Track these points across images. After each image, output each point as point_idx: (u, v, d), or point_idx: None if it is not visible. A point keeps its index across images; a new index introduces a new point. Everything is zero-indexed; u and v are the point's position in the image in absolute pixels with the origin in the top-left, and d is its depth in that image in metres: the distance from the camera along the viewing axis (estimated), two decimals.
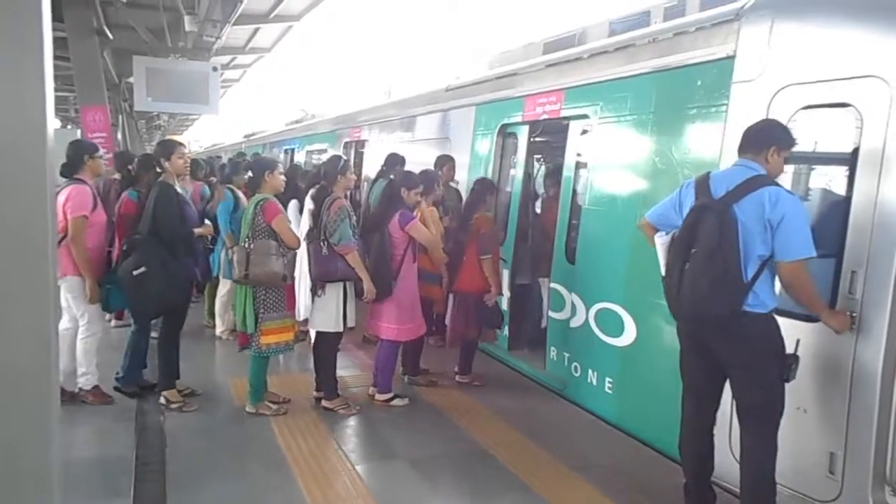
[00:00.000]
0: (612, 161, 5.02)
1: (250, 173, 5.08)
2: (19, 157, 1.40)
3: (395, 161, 6.71)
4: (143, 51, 14.24)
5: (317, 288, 4.77)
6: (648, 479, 3.96)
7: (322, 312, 4.80)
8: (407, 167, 6.47)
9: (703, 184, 3.27)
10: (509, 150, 6.53)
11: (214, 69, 13.97)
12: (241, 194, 6.42)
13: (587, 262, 5.13)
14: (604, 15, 7.33)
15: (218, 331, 6.78)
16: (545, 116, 5.83)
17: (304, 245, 4.86)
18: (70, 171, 4.73)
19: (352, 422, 4.76)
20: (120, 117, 20.57)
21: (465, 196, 6.55)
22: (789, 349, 3.17)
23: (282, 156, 15.53)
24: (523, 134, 6.30)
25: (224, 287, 6.64)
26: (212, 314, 7.03)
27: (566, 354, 5.31)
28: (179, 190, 4.94)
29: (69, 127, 24.55)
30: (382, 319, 5.00)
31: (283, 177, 4.90)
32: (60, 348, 4.73)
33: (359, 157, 10.29)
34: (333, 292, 4.77)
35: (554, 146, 8.64)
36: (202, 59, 14.48)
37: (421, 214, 5.25)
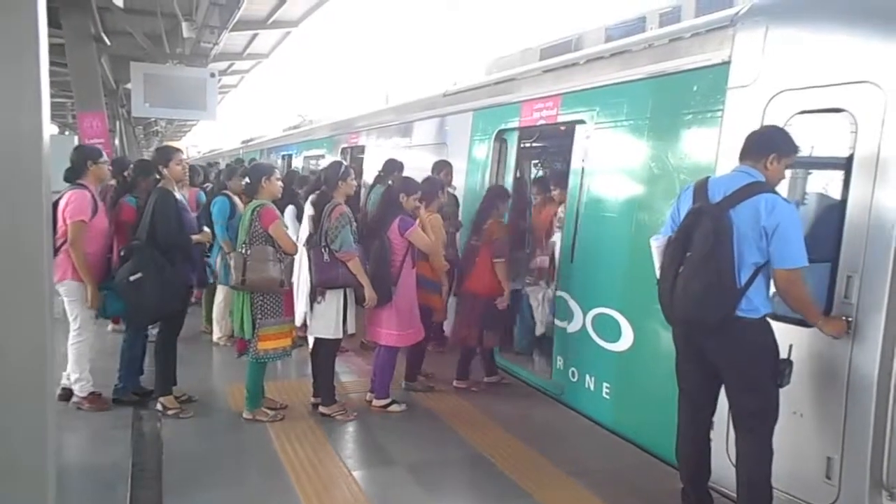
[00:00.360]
0: (608, 166, 5.03)
1: (247, 179, 5.09)
2: (15, 163, 1.40)
3: (392, 167, 6.72)
4: (141, 57, 14.26)
5: (316, 294, 4.76)
6: (646, 484, 3.96)
7: (322, 319, 4.79)
8: (405, 173, 6.49)
9: (701, 188, 3.28)
10: (506, 155, 6.53)
11: (212, 75, 14.01)
12: (237, 200, 6.42)
13: (584, 267, 5.13)
14: (600, 21, 7.37)
15: (215, 337, 6.77)
16: (542, 122, 5.84)
17: (302, 251, 4.87)
18: (73, 176, 4.78)
19: (349, 428, 4.75)
20: (118, 123, 20.58)
21: (461, 201, 6.59)
22: (783, 354, 3.17)
23: (279, 161, 15.54)
24: (520, 139, 6.30)
25: (221, 293, 6.63)
26: (209, 320, 7.02)
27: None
28: (178, 196, 4.95)
29: (67, 133, 24.56)
30: (382, 325, 5.00)
31: (280, 183, 4.90)
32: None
33: (356, 162, 10.29)
34: (333, 299, 4.76)
35: (551, 151, 8.66)
36: (200, 65, 14.51)
37: (421, 221, 5.25)
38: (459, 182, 6.72)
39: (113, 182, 5.93)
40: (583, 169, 5.27)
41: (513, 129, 6.31)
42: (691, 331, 3.30)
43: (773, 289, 3.16)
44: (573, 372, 5.18)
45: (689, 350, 3.38)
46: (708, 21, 4.36)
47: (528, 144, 7.62)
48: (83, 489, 3.72)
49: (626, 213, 4.74)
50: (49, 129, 1.48)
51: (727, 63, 4.00)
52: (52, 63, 1.55)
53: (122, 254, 4.72)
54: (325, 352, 4.94)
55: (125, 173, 5.77)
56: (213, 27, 12.48)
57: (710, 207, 3.14)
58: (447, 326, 6.14)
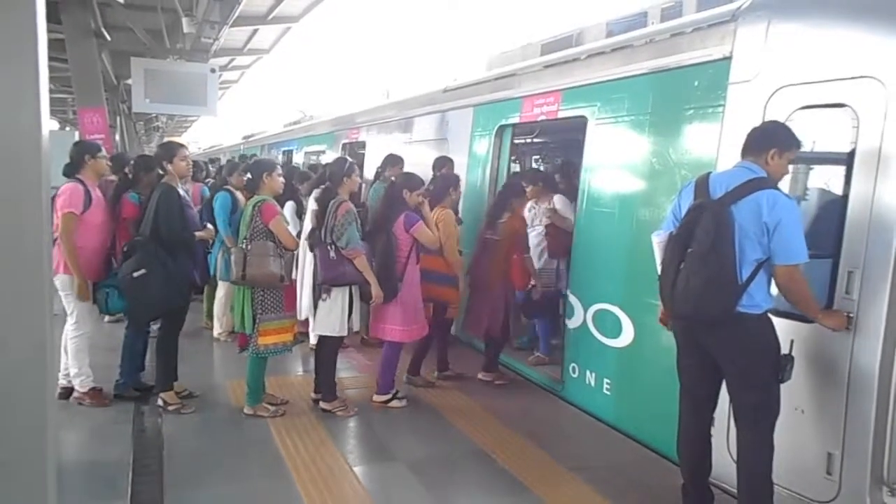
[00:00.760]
0: (609, 162, 5.02)
1: (249, 175, 5.08)
2: (14, 159, 1.40)
3: (392, 161, 6.71)
4: (142, 52, 14.25)
5: (321, 292, 4.76)
6: (647, 479, 3.96)
7: (327, 317, 4.77)
8: (405, 168, 6.48)
9: (702, 184, 3.27)
10: (507, 150, 6.53)
11: (213, 70, 13.98)
12: (239, 195, 6.42)
13: (585, 263, 5.13)
14: (601, 16, 7.35)
15: (216, 332, 6.77)
16: (543, 117, 5.83)
17: (304, 246, 4.86)
18: (71, 171, 4.80)
19: (350, 423, 4.76)
20: (118, 119, 20.59)
21: (461, 196, 6.57)
22: (784, 350, 3.17)
23: (280, 157, 15.52)
24: (520, 135, 6.29)
25: (222, 289, 6.63)
26: (210, 316, 7.02)
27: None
28: (182, 192, 4.95)
29: (68, 129, 24.54)
30: (387, 322, 4.99)
31: (281, 179, 4.90)
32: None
33: (357, 158, 10.28)
34: (338, 296, 4.75)
35: (552, 147, 8.67)
36: (200, 60, 14.49)
37: (435, 217, 5.28)
38: (460, 177, 6.70)
39: (114, 178, 5.92)
40: (583, 164, 5.26)
41: (513, 125, 6.30)
42: (692, 326, 3.30)
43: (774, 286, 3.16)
44: (574, 368, 5.18)
45: (689, 346, 3.37)
46: (709, 16, 4.34)
47: (528, 140, 7.62)
48: (84, 485, 3.72)
49: (626, 208, 4.74)
50: (48, 124, 1.48)
51: (728, 58, 3.98)
52: (52, 59, 1.55)
53: (125, 250, 4.72)
54: (329, 348, 4.94)
55: (126, 169, 5.77)
56: (213, 22, 12.47)
57: (711, 203, 3.14)
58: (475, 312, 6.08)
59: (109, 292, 4.71)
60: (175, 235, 4.70)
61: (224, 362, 6.21)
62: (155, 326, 5.18)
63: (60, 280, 4.64)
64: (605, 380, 4.84)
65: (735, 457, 3.28)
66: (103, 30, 13.37)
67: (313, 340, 6.25)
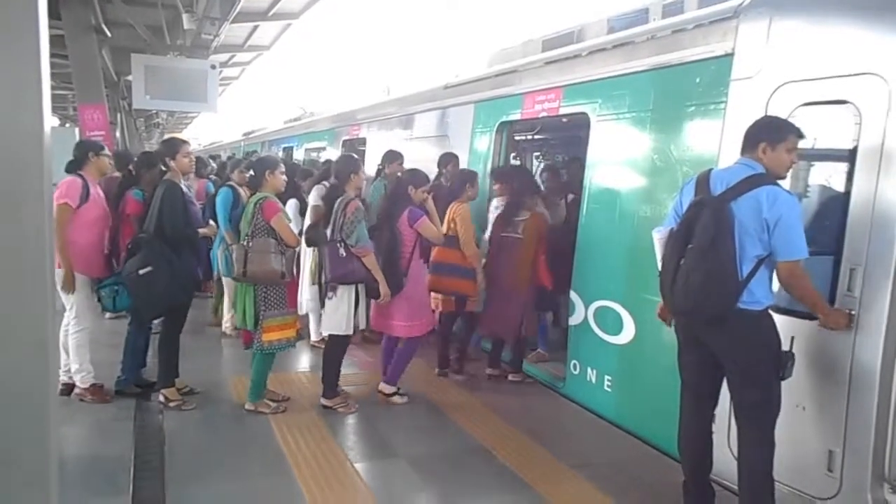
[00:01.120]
0: (610, 158, 5.01)
1: (251, 172, 5.08)
2: (16, 156, 1.39)
3: (391, 158, 6.70)
4: (142, 49, 14.21)
5: (328, 290, 4.75)
6: (648, 476, 3.97)
7: (334, 315, 4.78)
8: (406, 165, 6.48)
9: (703, 181, 3.27)
10: (508, 147, 6.52)
11: (213, 67, 13.95)
12: (241, 191, 6.41)
13: (586, 259, 5.12)
14: (603, 12, 7.34)
15: (224, 326, 6.78)
16: (544, 114, 5.81)
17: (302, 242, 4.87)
18: (75, 167, 4.83)
19: (351, 420, 4.76)
20: (119, 115, 20.55)
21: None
22: (786, 346, 3.16)
23: (281, 153, 15.51)
24: (521, 131, 6.28)
25: (229, 284, 6.63)
26: (216, 310, 7.03)
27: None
28: (185, 188, 4.95)
29: (68, 125, 24.54)
30: (394, 318, 4.98)
31: (283, 176, 4.89)
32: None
33: (358, 154, 10.26)
34: (345, 295, 4.75)
35: (552, 143, 8.65)
36: (201, 56, 14.45)
37: (453, 212, 5.30)
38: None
39: (117, 174, 5.92)
40: (584, 161, 5.25)
41: (514, 121, 6.28)
42: (693, 323, 3.30)
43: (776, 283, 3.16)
44: (575, 364, 5.18)
45: (690, 342, 3.37)
46: (711, 12, 4.33)
47: (529, 136, 7.60)
48: (86, 481, 3.71)
49: (628, 205, 4.73)
50: (50, 121, 1.47)
51: (730, 55, 3.98)
52: (52, 55, 1.54)
53: (129, 247, 4.72)
54: (337, 347, 4.94)
55: (129, 166, 5.77)
56: (213, 19, 12.43)
57: (711, 200, 3.13)
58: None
59: (119, 290, 4.71)
60: (179, 232, 4.70)
61: (227, 358, 6.22)
62: (156, 322, 5.18)
63: (56, 275, 4.64)
64: (607, 377, 4.85)
65: (736, 453, 3.28)
66: (103, 26, 13.34)
67: (314, 337, 6.27)
